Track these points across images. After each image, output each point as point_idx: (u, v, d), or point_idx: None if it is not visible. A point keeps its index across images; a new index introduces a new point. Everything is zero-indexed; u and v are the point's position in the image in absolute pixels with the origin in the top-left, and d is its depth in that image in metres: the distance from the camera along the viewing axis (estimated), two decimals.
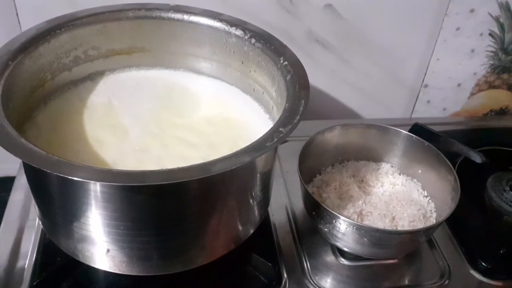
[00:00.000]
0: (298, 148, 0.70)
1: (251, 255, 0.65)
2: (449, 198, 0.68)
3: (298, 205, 0.75)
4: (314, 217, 0.67)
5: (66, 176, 0.44)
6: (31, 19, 0.66)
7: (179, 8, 0.69)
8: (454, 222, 0.73)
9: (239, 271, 0.66)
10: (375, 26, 0.86)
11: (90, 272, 0.61)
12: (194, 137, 0.64)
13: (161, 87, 0.71)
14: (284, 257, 0.68)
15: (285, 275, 0.66)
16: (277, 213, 0.74)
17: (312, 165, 0.73)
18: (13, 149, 0.46)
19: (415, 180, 0.76)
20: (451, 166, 0.70)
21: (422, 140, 0.74)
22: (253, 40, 0.66)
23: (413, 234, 0.65)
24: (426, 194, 0.74)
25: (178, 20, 0.70)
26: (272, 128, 0.53)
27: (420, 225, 0.68)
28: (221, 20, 0.68)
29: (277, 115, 0.63)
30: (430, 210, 0.72)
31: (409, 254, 0.70)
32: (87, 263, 0.57)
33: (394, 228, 0.67)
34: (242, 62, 0.69)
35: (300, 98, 0.57)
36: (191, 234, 0.56)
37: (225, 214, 0.57)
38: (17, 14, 0.76)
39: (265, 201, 0.64)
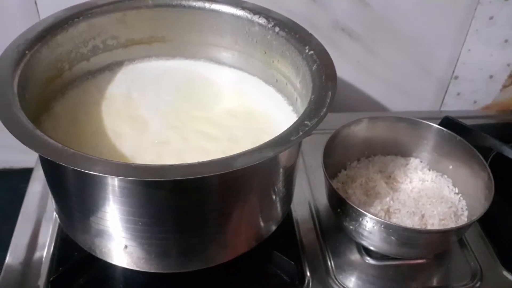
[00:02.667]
0: (322, 142, 0.68)
1: (273, 253, 0.63)
2: (482, 196, 0.65)
3: (322, 201, 0.72)
4: (339, 214, 0.64)
5: (82, 170, 0.43)
6: (50, 7, 0.64)
7: None
8: (487, 221, 0.69)
9: (260, 269, 0.64)
10: (404, 14, 0.83)
11: (107, 268, 0.60)
12: (214, 130, 0.62)
13: (181, 78, 0.69)
14: (307, 255, 0.65)
15: (308, 274, 0.63)
16: (300, 210, 0.72)
17: (337, 159, 0.71)
18: (28, 141, 0.45)
19: (446, 176, 0.73)
20: (485, 162, 0.67)
21: (454, 134, 0.70)
22: (277, 29, 0.64)
23: (443, 234, 0.62)
24: (457, 191, 0.71)
25: (199, 8, 0.67)
26: (297, 121, 0.51)
27: (451, 224, 0.65)
28: (243, 8, 0.66)
29: (301, 107, 0.60)
30: (462, 208, 0.69)
31: (438, 254, 0.67)
32: (104, 259, 0.56)
33: (424, 227, 0.64)
34: (265, 52, 0.67)
35: (327, 89, 0.54)
36: (211, 231, 0.54)
37: (246, 211, 0.55)
38: (35, 2, 0.75)
39: (288, 197, 0.62)
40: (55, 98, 0.62)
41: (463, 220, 0.67)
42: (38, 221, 0.68)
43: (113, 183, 0.47)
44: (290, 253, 0.64)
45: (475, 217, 0.62)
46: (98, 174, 0.43)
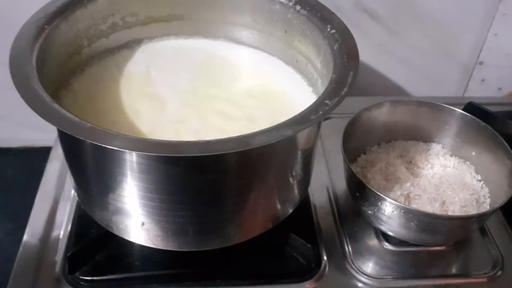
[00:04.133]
0: (342, 126, 0.67)
1: (290, 235, 0.62)
2: (505, 183, 0.64)
3: (340, 186, 0.71)
4: (358, 198, 0.63)
5: (100, 144, 0.42)
6: None
7: None
8: (509, 209, 0.67)
9: (277, 251, 0.63)
10: None
11: (124, 245, 0.60)
12: (232, 109, 0.61)
13: (200, 57, 0.69)
14: (324, 239, 0.65)
15: (325, 258, 0.63)
16: (318, 194, 0.71)
17: (356, 144, 0.70)
18: (47, 115, 0.45)
19: (468, 162, 0.71)
20: (509, 149, 0.65)
21: (478, 120, 0.69)
22: (298, 7, 0.62)
23: (464, 220, 0.61)
24: (479, 178, 0.69)
25: None
26: (317, 100, 0.50)
27: (472, 211, 0.64)
28: None
29: (321, 88, 0.59)
30: (484, 196, 0.67)
31: (458, 241, 0.66)
32: (121, 235, 0.56)
33: (444, 213, 0.63)
34: (286, 31, 0.65)
35: (349, 68, 0.53)
36: (228, 210, 0.53)
37: (263, 191, 0.54)
38: None
39: (305, 180, 0.61)
40: (74, 74, 0.62)
41: (485, 207, 0.65)
42: (56, 199, 0.69)
43: (131, 158, 0.47)
44: (307, 236, 0.63)
45: (497, 204, 0.60)
46: (116, 148, 0.43)
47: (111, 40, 0.66)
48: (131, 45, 0.68)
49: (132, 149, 0.43)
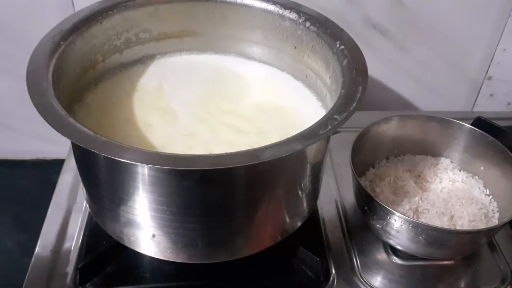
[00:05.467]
0: (350, 140, 0.67)
1: (298, 248, 0.63)
2: None
3: (349, 199, 0.72)
4: (366, 212, 0.63)
5: (113, 158, 0.43)
6: None
7: None
8: None
9: (285, 264, 0.63)
10: (437, 12, 0.81)
11: (134, 256, 0.61)
12: (243, 123, 0.62)
13: (212, 72, 0.70)
14: (332, 253, 0.65)
15: (334, 271, 0.63)
16: (326, 207, 0.71)
17: (365, 157, 0.70)
18: (62, 128, 0.46)
19: (477, 177, 0.71)
20: None
21: (487, 134, 0.69)
22: (307, 24, 0.63)
23: (473, 235, 0.61)
24: (488, 193, 0.69)
25: (230, 3, 0.68)
26: (326, 115, 0.51)
27: (481, 225, 0.64)
28: (274, 3, 0.66)
29: (330, 103, 0.60)
30: (492, 210, 0.67)
31: (467, 256, 0.66)
32: (132, 247, 0.56)
33: (453, 228, 0.63)
34: (295, 47, 0.66)
35: (357, 84, 0.54)
36: (238, 223, 0.54)
37: (272, 204, 0.55)
38: None
39: (314, 193, 0.61)
40: (88, 88, 0.64)
41: (494, 222, 0.65)
42: (68, 211, 0.70)
43: (143, 171, 0.48)
44: (316, 249, 0.63)
45: (506, 219, 0.60)
46: (129, 161, 0.44)
47: (124, 55, 0.68)
48: (144, 60, 0.70)
49: (145, 162, 0.44)
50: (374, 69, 0.86)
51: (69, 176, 0.75)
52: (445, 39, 0.84)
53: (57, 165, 0.79)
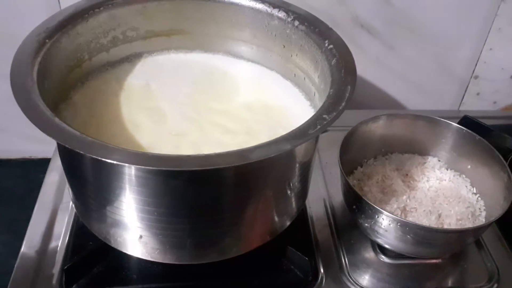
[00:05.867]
0: (338, 139, 0.67)
1: (287, 248, 0.63)
2: (501, 196, 0.64)
3: (337, 198, 0.72)
4: (355, 211, 0.63)
5: (100, 158, 0.43)
6: None
7: None
8: (505, 222, 0.68)
9: (274, 264, 0.63)
10: (425, 11, 0.82)
11: (121, 257, 0.60)
12: (232, 123, 0.62)
13: (200, 71, 0.69)
14: (321, 252, 0.65)
15: (322, 270, 0.63)
16: (315, 206, 0.71)
17: (353, 156, 0.70)
18: (47, 128, 0.45)
19: (464, 176, 0.72)
20: (505, 163, 0.66)
21: (474, 133, 0.69)
22: (296, 23, 0.63)
23: (460, 234, 0.61)
24: (475, 191, 0.70)
25: (218, 1, 0.67)
26: (315, 114, 0.51)
27: (468, 224, 0.64)
28: (263, 2, 0.66)
29: (319, 102, 0.60)
30: (479, 209, 0.68)
31: (454, 254, 0.66)
32: (119, 248, 0.56)
33: (440, 226, 0.63)
34: (284, 46, 0.66)
35: (346, 83, 0.54)
36: (226, 223, 0.54)
37: (261, 204, 0.55)
38: None
39: (303, 193, 0.61)
40: (74, 87, 0.63)
41: (481, 220, 0.66)
42: (55, 211, 0.69)
43: (130, 172, 0.47)
44: (304, 249, 0.63)
45: (493, 218, 0.61)
46: (115, 162, 0.43)
47: (111, 54, 0.67)
48: (132, 58, 0.69)
49: (131, 163, 0.44)
50: (362, 68, 0.86)
51: (55, 175, 0.74)
52: (432, 38, 0.84)
53: (43, 164, 0.78)
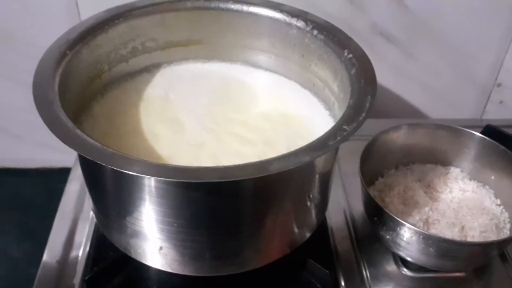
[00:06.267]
0: (359, 148, 0.66)
1: (307, 260, 0.62)
2: None
3: (358, 209, 0.71)
4: (376, 223, 0.62)
5: (120, 170, 0.43)
6: (91, 8, 0.65)
7: None
8: None
9: (294, 276, 0.63)
10: (445, 18, 0.81)
11: (141, 269, 0.60)
12: (250, 133, 0.61)
13: (218, 80, 0.69)
14: (341, 264, 0.64)
15: (343, 283, 0.62)
16: (335, 217, 0.70)
17: (374, 167, 0.69)
18: (68, 140, 0.45)
19: (487, 187, 0.70)
20: None
21: (497, 143, 0.68)
22: (315, 32, 0.63)
23: (485, 246, 0.60)
24: (499, 203, 0.68)
25: (237, 11, 0.67)
26: (335, 125, 0.50)
27: (492, 236, 0.63)
28: (282, 11, 0.65)
29: (338, 112, 0.59)
30: (504, 221, 0.66)
31: (478, 267, 0.65)
32: (139, 259, 0.56)
33: (464, 239, 0.62)
34: (303, 55, 0.66)
35: (366, 93, 0.53)
36: (246, 235, 0.53)
37: (281, 216, 0.54)
38: (77, 3, 0.76)
39: (323, 204, 0.61)
40: (94, 98, 0.63)
41: (505, 233, 0.64)
42: (75, 220, 0.69)
43: (150, 183, 0.47)
44: (324, 261, 0.62)
45: None
46: (136, 174, 0.43)
47: (131, 64, 0.67)
48: (151, 69, 0.69)
49: (152, 174, 0.44)
50: (382, 76, 0.85)
51: (76, 184, 0.75)
52: (453, 45, 0.83)
53: (62, 173, 0.78)
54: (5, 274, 0.87)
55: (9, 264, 0.88)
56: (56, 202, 0.72)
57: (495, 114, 0.92)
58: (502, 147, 0.68)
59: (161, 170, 0.45)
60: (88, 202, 0.71)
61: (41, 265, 0.63)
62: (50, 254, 0.64)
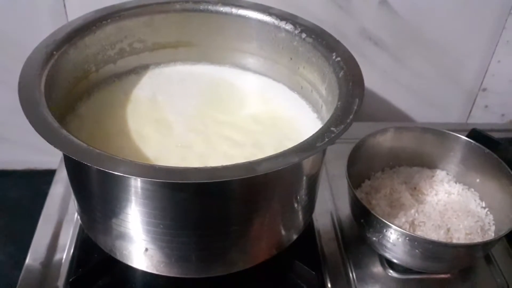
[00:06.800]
0: (345, 151, 0.67)
1: (294, 262, 0.62)
2: (510, 210, 0.64)
3: (344, 211, 0.71)
4: (362, 225, 0.63)
5: (106, 171, 0.43)
6: (78, 9, 0.65)
7: (227, 1, 0.67)
8: None
9: (280, 278, 0.63)
10: (432, 24, 0.82)
11: (127, 271, 0.60)
12: (238, 135, 0.61)
13: (207, 82, 0.69)
14: (328, 266, 0.64)
15: (329, 285, 0.62)
16: (322, 219, 0.70)
17: (361, 169, 0.69)
18: (54, 141, 0.45)
19: (473, 189, 0.71)
20: None
21: (482, 147, 0.69)
22: (303, 35, 0.63)
23: (470, 248, 0.61)
24: (484, 205, 0.69)
25: (226, 13, 0.67)
26: (322, 127, 0.50)
27: (477, 238, 0.63)
28: (270, 14, 0.66)
29: (326, 115, 0.60)
30: (489, 223, 0.67)
31: (463, 269, 0.65)
32: (124, 261, 0.55)
33: (449, 241, 0.62)
34: (291, 58, 0.66)
35: (354, 96, 0.53)
36: (233, 237, 0.53)
37: (268, 218, 0.54)
38: (64, 4, 0.76)
39: (310, 206, 0.61)
40: (81, 99, 0.63)
41: (490, 235, 0.65)
42: (59, 223, 0.69)
43: (136, 184, 0.47)
44: (311, 263, 0.62)
45: (502, 232, 0.60)
46: (122, 174, 0.43)
47: (118, 65, 0.67)
48: (138, 70, 0.69)
49: (139, 175, 0.44)
50: (369, 80, 0.86)
51: (60, 187, 0.74)
52: (440, 50, 0.84)
53: (47, 175, 0.77)
54: None
55: None
56: (40, 204, 0.71)
57: (480, 119, 0.93)
58: (487, 150, 0.68)
59: (148, 170, 0.44)
60: (73, 204, 0.70)
61: (24, 267, 0.62)
62: (34, 256, 0.64)
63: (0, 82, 0.82)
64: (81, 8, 0.63)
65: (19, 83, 0.51)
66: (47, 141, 0.44)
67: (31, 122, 0.46)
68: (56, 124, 0.47)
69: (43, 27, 0.62)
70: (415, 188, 0.70)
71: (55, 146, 0.44)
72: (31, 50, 0.55)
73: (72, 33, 0.59)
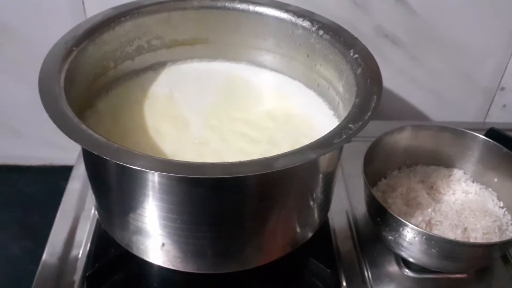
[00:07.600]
0: (362, 149, 0.66)
1: (309, 260, 0.62)
2: None
3: (360, 210, 0.71)
4: (378, 223, 0.62)
5: (125, 165, 0.43)
6: (96, 5, 0.65)
7: None
8: None
9: (295, 276, 0.62)
10: (450, 22, 0.81)
11: (143, 265, 0.60)
12: (254, 131, 0.61)
13: (223, 79, 0.69)
14: (343, 264, 0.64)
15: (344, 283, 0.62)
16: (337, 218, 0.70)
17: (377, 168, 0.69)
18: (74, 135, 0.45)
19: (490, 189, 0.70)
20: None
21: (501, 146, 0.68)
22: (321, 32, 0.63)
23: (487, 248, 0.60)
24: (502, 205, 0.68)
25: (243, 10, 0.67)
26: (340, 124, 0.50)
27: (495, 238, 0.63)
28: (287, 11, 0.66)
29: (343, 112, 0.59)
30: (506, 223, 0.66)
31: (480, 269, 0.65)
32: (140, 256, 0.56)
33: (466, 240, 0.62)
34: (308, 55, 0.66)
35: (372, 93, 0.53)
36: (248, 233, 0.53)
37: (283, 214, 0.54)
38: (83, 1, 0.76)
39: (325, 204, 0.61)
40: (99, 95, 0.63)
41: (508, 235, 0.64)
42: (76, 218, 0.69)
43: (154, 179, 0.47)
44: (326, 261, 0.62)
45: None
46: (140, 169, 0.43)
47: (136, 62, 0.67)
48: (156, 67, 0.69)
49: (157, 169, 0.44)
50: (386, 78, 0.82)
51: (77, 182, 0.75)
52: (457, 48, 0.83)
53: (64, 171, 0.78)
54: (6, 271, 0.87)
55: (10, 261, 0.88)
56: (57, 200, 0.72)
57: (498, 118, 0.92)
58: (505, 149, 0.68)
59: (166, 165, 0.45)
60: (90, 201, 0.71)
61: (41, 263, 0.63)
62: (51, 251, 0.64)
63: (18, 79, 0.83)
64: (99, 5, 0.64)
65: (39, 78, 0.51)
66: (67, 136, 0.45)
67: (51, 116, 0.46)
68: (76, 119, 0.47)
69: (62, 24, 0.62)
70: (432, 187, 0.70)
71: (75, 141, 0.44)
72: (50, 47, 0.56)
73: (91, 30, 0.59)
